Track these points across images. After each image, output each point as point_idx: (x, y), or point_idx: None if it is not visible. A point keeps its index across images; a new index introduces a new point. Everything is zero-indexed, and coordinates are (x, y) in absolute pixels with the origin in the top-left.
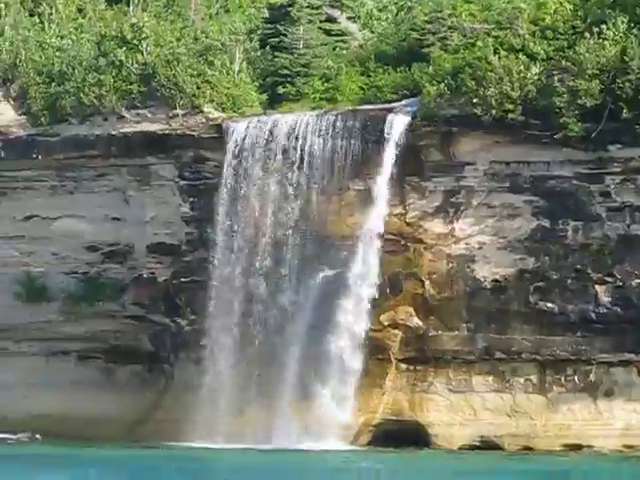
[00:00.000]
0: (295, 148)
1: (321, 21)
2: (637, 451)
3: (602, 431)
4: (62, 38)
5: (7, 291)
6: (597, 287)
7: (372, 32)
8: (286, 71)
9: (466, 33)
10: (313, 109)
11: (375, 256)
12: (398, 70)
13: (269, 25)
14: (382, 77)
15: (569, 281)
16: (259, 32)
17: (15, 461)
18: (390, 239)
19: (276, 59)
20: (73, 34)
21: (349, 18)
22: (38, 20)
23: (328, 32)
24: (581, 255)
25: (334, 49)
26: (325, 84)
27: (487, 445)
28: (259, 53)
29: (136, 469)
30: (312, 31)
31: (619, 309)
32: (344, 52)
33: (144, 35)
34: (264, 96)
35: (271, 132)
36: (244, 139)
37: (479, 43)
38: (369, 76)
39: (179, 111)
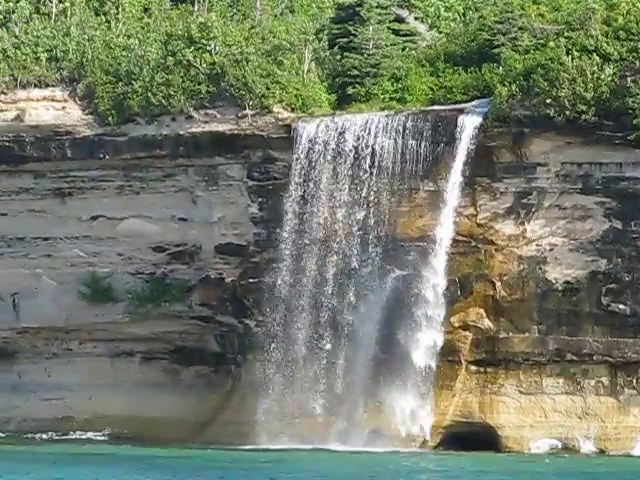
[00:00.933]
0: (365, 149)
1: (390, 21)
2: None
3: None
4: (129, 38)
5: (72, 291)
6: None
7: (439, 32)
8: (355, 71)
9: (536, 34)
10: (383, 109)
11: (445, 258)
12: (468, 71)
13: (337, 25)
14: (452, 78)
15: None
16: (327, 32)
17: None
18: (460, 240)
19: (345, 59)
20: (140, 34)
21: (417, 18)
22: (104, 19)
23: (396, 32)
24: None
25: (403, 49)
26: (394, 84)
27: (558, 448)
28: (328, 53)
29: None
30: (381, 31)
31: None
32: (413, 52)
33: (212, 35)
34: (333, 96)
35: (341, 133)
36: (314, 139)
37: (551, 44)
38: (438, 76)
39: (248, 111)
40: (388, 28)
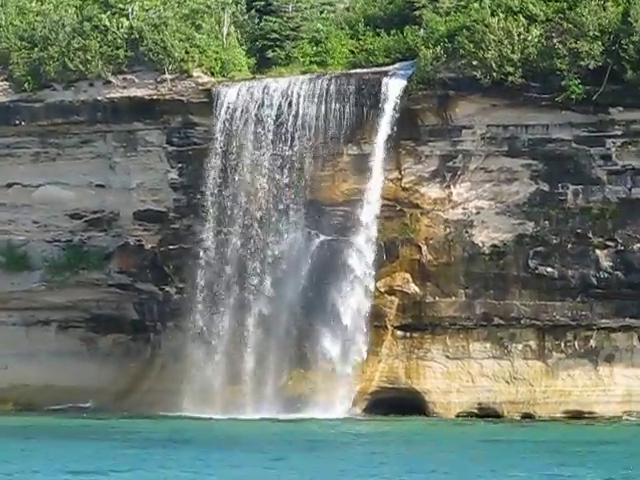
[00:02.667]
0: (288, 112)
1: None
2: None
3: (603, 397)
4: (42, 3)
5: None
6: (598, 251)
7: None
8: (275, 35)
9: None
10: (304, 73)
11: (372, 222)
12: (390, 33)
13: None
14: (372, 40)
15: (569, 246)
16: None
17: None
18: (386, 204)
19: (265, 23)
20: None
21: None
22: None
23: None
24: (581, 219)
25: (321, 12)
26: (314, 48)
27: (485, 413)
28: (246, 17)
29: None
30: None
31: (620, 274)
32: (332, 15)
33: None
34: (252, 60)
35: (263, 96)
36: (236, 104)
37: (475, 5)
38: (359, 39)
39: (167, 76)
40: None
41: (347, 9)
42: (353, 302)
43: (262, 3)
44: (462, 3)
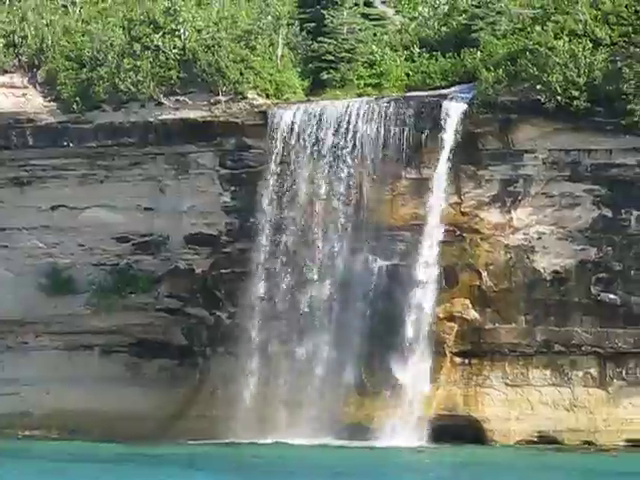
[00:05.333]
0: (346, 135)
1: (357, 5)
2: None
3: None
4: (87, 23)
5: (31, 283)
6: None
7: (404, 16)
8: (330, 57)
9: (512, 18)
10: (359, 96)
11: (433, 247)
12: (446, 56)
13: (308, 9)
14: (428, 63)
15: (632, 272)
16: (295, 16)
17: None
18: (445, 229)
19: (319, 44)
20: (99, 18)
21: (383, 2)
22: (59, 3)
23: (366, 16)
24: None
25: (374, 34)
26: (369, 70)
27: (545, 441)
28: (299, 38)
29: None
30: (354, 15)
31: None
32: (385, 37)
33: (181, 19)
34: (306, 82)
35: (320, 119)
36: (292, 126)
37: (537, 28)
38: (414, 62)
39: (221, 97)
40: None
41: (399, 31)
42: (415, 329)
43: (312, 24)
44: (518, 26)
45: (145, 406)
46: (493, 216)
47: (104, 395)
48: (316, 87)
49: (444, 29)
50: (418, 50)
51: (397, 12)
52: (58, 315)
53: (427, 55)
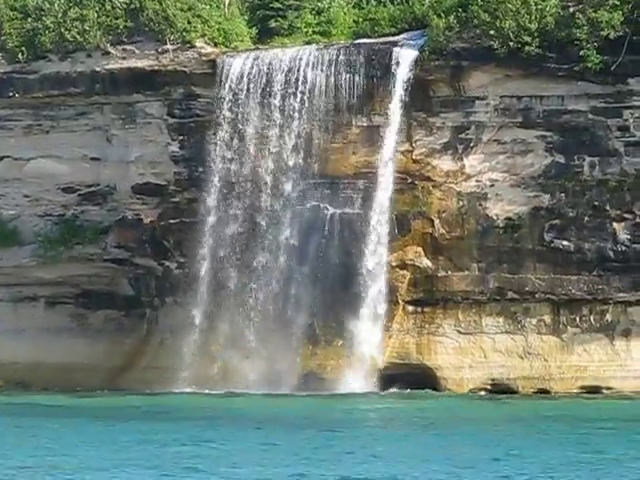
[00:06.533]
0: (296, 83)
1: None
2: None
3: (619, 372)
4: None
5: None
6: (615, 224)
7: None
8: (277, 4)
9: None
10: (307, 43)
11: (385, 196)
12: (394, 2)
13: None
14: (377, 10)
15: (586, 218)
16: None
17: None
18: (397, 177)
19: None
20: None
21: None
22: None
23: None
24: (598, 192)
25: None
26: (317, 17)
27: (499, 389)
28: None
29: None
30: None
31: (638, 247)
32: None
33: None
34: (254, 30)
35: (269, 67)
36: (241, 75)
37: None
38: (362, 9)
39: (169, 46)
40: None
41: None
42: (368, 278)
43: None
44: None
45: (92, 357)
46: (445, 163)
47: (50, 347)
48: (264, 35)
49: None
50: None
51: None
52: (3, 267)
53: (375, 2)
